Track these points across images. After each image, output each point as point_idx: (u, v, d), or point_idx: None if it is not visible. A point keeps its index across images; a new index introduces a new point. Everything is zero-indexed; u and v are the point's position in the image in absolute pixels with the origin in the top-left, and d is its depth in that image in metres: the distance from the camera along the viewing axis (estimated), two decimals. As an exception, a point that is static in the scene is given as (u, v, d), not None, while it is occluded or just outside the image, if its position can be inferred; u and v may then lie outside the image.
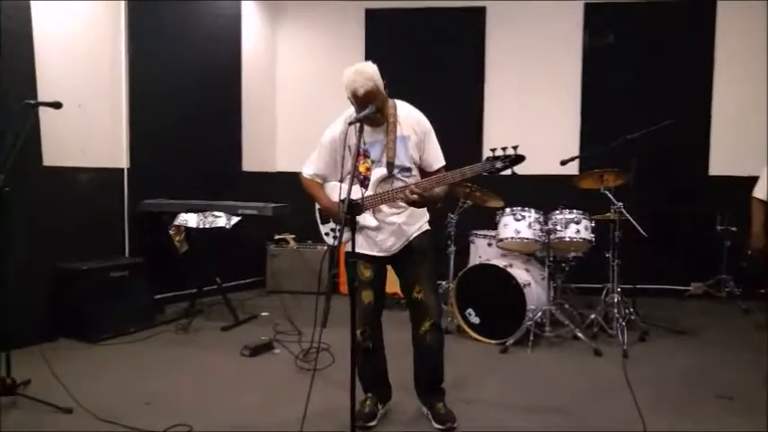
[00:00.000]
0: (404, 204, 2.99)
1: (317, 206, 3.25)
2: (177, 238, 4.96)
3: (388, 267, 3.21)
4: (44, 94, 4.28)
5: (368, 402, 3.18)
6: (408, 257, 3.12)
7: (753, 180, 5.81)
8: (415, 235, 3.11)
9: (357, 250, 3.04)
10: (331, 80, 6.71)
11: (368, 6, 6.58)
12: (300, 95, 6.80)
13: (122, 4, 5.13)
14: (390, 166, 2.97)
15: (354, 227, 2.62)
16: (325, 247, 6.20)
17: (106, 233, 5.09)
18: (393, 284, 3.27)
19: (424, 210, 3.16)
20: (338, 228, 3.09)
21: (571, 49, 6.28)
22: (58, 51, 4.64)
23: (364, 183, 2.90)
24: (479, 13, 6.41)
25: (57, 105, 3.44)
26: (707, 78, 6.05)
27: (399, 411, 3.33)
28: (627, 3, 6.13)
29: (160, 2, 5.42)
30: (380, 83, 2.89)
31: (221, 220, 4.79)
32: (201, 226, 4.81)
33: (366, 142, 2.99)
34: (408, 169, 3.02)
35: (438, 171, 3.04)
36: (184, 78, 5.59)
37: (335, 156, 3.09)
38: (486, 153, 6.33)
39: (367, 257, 3.09)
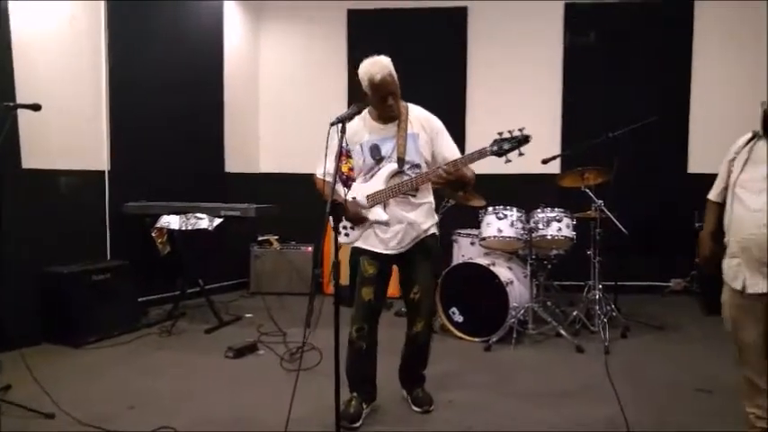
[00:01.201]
0: (416, 201, 3.09)
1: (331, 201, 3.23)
2: (160, 240, 4.94)
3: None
4: (23, 95, 4.23)
5: (353, 402, 3.19)
6: (413, 257, 3.18)
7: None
8: (423, 236, 3.17)
9: (364, 247, 3.10)
10: (314, 80, 6.79)
11: (350, 7, 6.59)
12: (283, 96, 6.79)
13: (102, 4, 5.09)
14: (401, 161, 3.05)
15: (337, 227, 2.63)
16: (310, 248, 6.24)
17: (88, 236, 5.05)
18: (390, 286, 3.31)
19: (433, 212, 3.25)
20: (349, 225, 3.13)
21: (552, 49, 6.34)
22: (37, 53, 4.59)
23: (347, 183, 2.92)
24: (461, 12, 6.45)
25: (36, 108, 3.39)
26: (685, 76, 6.13)
27: (384, 411, 3.35)
28: (606, 3, 6.20)
29: (140, 2, 5.39)
30: (395, 75, 2.99)
31: (204, 222, 4.78)
32: (184, 228, 4.79)
33: (377, 139, 3.09)
34: (417, 165, 3.09)
35: None
36: (166, 79, 5.55)
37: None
38: (470, 150, 6.40)
39: (372, 255, 3.12)
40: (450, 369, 3.99)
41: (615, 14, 6.18)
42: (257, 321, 5.06)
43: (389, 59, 3.02)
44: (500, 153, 2.83)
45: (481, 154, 2.88)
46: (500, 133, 2.85)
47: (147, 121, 5.40)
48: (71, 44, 4.89)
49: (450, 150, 3.15)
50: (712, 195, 2.74)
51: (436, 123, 3.18)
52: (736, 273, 2.50)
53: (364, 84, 3.00)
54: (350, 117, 2.66)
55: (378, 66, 2.97)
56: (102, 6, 5.10)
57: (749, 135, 2.55)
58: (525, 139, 2.83)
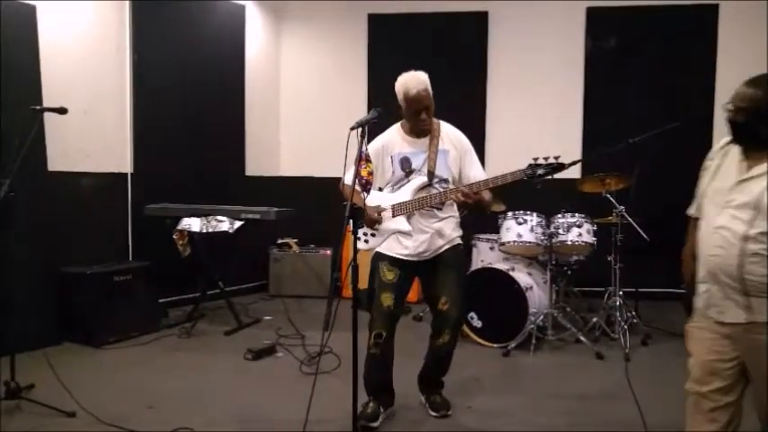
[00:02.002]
0: (441, 215, 3.12)
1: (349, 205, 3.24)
2: (180, 243, 4.98)
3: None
4: (49, 99, 4.31)
5: (371, 404, 3.21)
6: (438, 268, 3.18)
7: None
8: (447, 247, 3.17)
9: (384, 252, 3.11)
10: (334, 84, 6.82)
11: (371, 11, 6.61)
12: (304, 100, 6.83)
13: (127, 5, 5.18)
14: (431, 175, 3.09)
15: (357, 231, 2.65)
16: (329, 251, 6.26)
17: (110, 238, 5.13)
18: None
19: (458, 224, 3.27)
20: (370, 232, 3.14)
21: (573, 53, 6.29)
22: (63, 56, 4.69)
23: (366, 187, 2.93)
24: (482, 17, 6.43)
25: (62, 111, 3.45)
26: (709, 81, 6.04)
27: (401, 415, 3.35)
28: (629, 7, 6.14)
29: (164, 4, 5.47)
30: (431, 91, 3.03)
31: (224, 225, 4.81)
32: (205, 230, 4.83)
33: (408, 152, 3.13)
34: (446, 180, 3.13)
35: None
36: (188, 81, 5.62)
37: (378, 162, 3.15)
38: (490, 156, 6.37)
39: (393, 260, 3.13)
40: (469, 374, 3.97)
41: (637, 19, 6.12)
42: (276, 324, 5.08)
43: (426, 75, 3.05)
44: (533, 177, 2.83)
45: (514, 177, 2.88)
46: (535, 159, 2.86)
47: (169, 124, 5.48)
48: (97, 48, 4.99)
49: (475, 171, 3.18)
50: (692, 209, 2.39)
51: (466, 143, 3.23)
52: (707, 300, 2.16)
53: (399, 97, 3.05)
54: (369, 121, 2.67)
55: (414, 80, 3.01)
56: (126, 8, 5.18)
57: (728, 138, 2.18)
58: (560, 167, 2.84)
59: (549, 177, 2.85)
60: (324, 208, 4.32)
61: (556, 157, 2.82)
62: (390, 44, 6.44)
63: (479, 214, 4.92)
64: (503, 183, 2.90)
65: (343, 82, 6.70)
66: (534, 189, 4.54)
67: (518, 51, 6.40)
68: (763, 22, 5.87)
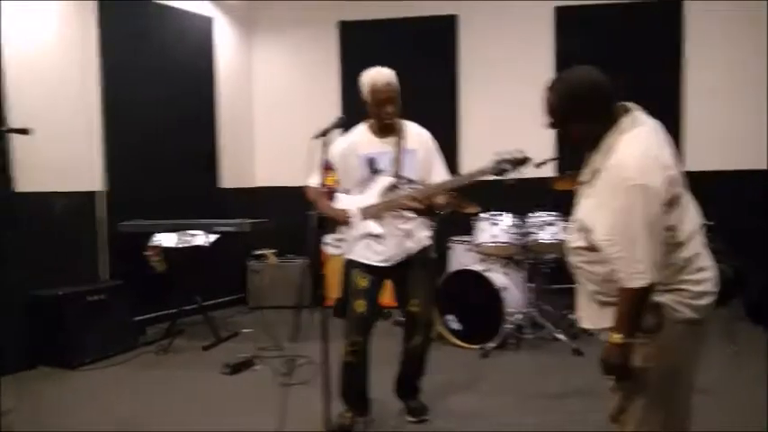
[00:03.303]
0: (410, 215, 3.08)
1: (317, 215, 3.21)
2: (155, 259, 4.92)
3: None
4: (15, 116, 4.25)
5: (347, 415, 3.19)
6: (408, 270, 3.17)
7: (725, 174, 5.90)
8: (417, 249, 3.16)
9: (356, 259, 3.10)
10: (307, 93, 6.79)
11: (341, 18, 6.61)
12: (277, 110, 6.80)
13: (93, 19, 5.12)
14: (397, 175, 3.07)
15: (325, 240, 2.64)
16: (307, 260, 6.22)
17: (83, 257, 5.05)
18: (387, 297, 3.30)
19: (428, 224, 3.26)
20: (340, 237, 3.13)
21: (543, 53, 6.32)
22: (28, 73, 4.61)
23: (330, 195, 2.92)
24: (451, 20, 6.45)
25: (25, 132, 3.37)
26: (677, 77, 6.11)
27: (379, 422, 3.33)
28: (596, 5, 6.19)
29: (132, 20, 5.42)
30: (397, 87, 3.02)
31: (199, 239, 4.77)
32: (179, 245, 4.78)
33: (375, 152, 3.11)
34: (413, 181, 3.10)
35: None
36: (158, 96, 5.57)
37: (344, 163, 3.13)
38: (464, 159, 6.38)
39: (365, 267, 3.11)
40: (447, 377, 3.96)
41: (605, 16, 6.17)
42: (255, 336, 5.04)
43: (393, 72, 3.05)
44: (499, 173, 2.83)
45: (481, 174, 2.87)
46: (499, 153, 2.85)
47: (140, 139, 5.42)
48: (64, 64, 4.92)
49: (439, 172, 3.16)
50: None
51: (432, 143, 3.22)
52: None
53: (365, 90, 3.02)
54: (332, 129, 2.66)
55: (380, 73, 3.02)
56: (93, 22, 5.12)
57: None
58: (525, 161, 2.84)
59: (516, 175, 2.83)
60: (301, 218, 4.31)
61: (520, 151, 2.82)
62: (362, 50, 6.42)
63: (459, 210, 4.95)
64: (470, 180, 2.90)
65: (316, 90, 6.69)
66: (507, 188, 4.55)
67: (488, 52, 6.43)
68: (729, 16, 5.96)
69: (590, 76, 1.96)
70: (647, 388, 1.91)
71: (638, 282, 1.79)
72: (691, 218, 1.92)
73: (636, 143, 1.87)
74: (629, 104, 1.99)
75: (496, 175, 2.85)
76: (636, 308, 1.84)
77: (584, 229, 1.96)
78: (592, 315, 2.00)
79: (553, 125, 2.03)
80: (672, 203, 1.83)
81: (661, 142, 1.91)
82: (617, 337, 1.84)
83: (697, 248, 1.91)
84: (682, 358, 1.93)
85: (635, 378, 1.90)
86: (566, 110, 1.97)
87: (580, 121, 1.96)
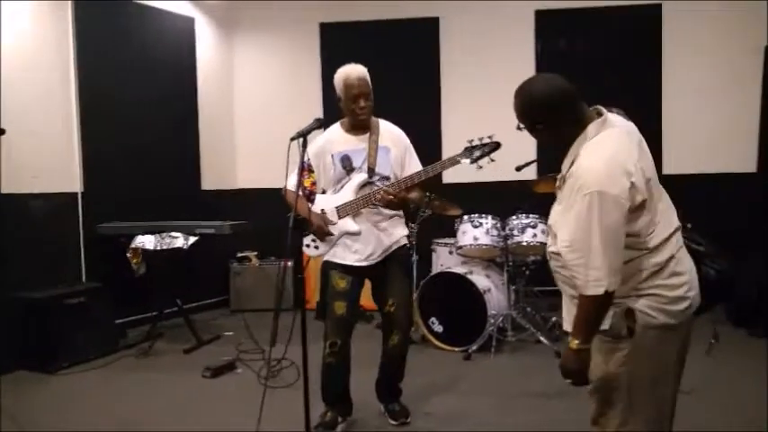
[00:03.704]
0: (387, 212, 3.08)
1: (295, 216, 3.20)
2: (135, 261, 4.88)
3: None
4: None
5: (328, 414, 3.19)
6: (385, 270, 3.17)
7: (706, 177, 5.97)
8: (394, 248, 3.17)
9: (333, 260, 3.09)
10: (289, 95, 6.77)
11: (322, 20, 6.60)
12: (259, 111, 6.77)
13: (69, 18, 5.06)
14: (371, 172, 3.07)
15: (303, 242, 2.63)
16: (284, 262, 6.19)
17: (62, 259, 4.99)
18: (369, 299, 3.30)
19: (403, 222, 3.27)
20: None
21: (524, 56, 6.37)
22: (3, 74, 4.54)
23: (309, 197, 2.91)
24: (433, 22, 6.47)
25: (1, 132, 3.36)
26: (656, 80, 6.18)
27: (361, 425, 3.33)
28: (576, 9, 6.24)
29: (111, 20, 5.37)
30: (369, 82, 3.04)
31: (179, 241, 4.73)
32: (159, 247, 4.74)
33: (349, 149, 3.11)
34: (387, 178, 3.11)
35: None
36: (137, 96, 5.52)
37: (319, 162, 3.13)
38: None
39: (343, 268, 3.11)
40: (430, 380, 3.97)
41: (584, 20, 6.24)
42: (237, 339, 5.00)
43: (365, 68, 3.08)
44: (471, 161, 2.85)
45: (452, 162, 2.91)
46: (470, 141, 2.89)
47: (119, 140, 5.37)
48: (40, 65, 4.86)
49: (413, 170, 3.16)
50: None
51: (405, 140, 3.23)
52: None
53: (339, 86, 3.04)
54: (310, 131, 2.66)
55: (354, 68, 3.05)
56: (69, 22, 5.06)
57: None
58: (496, 146, 2.87)
59: (488, 160, 2.86)
60: (284, 219, 4.30)
61: (490, 136, 2.86)
62: (343, 52, 6.34)
63: (441, 212, 4.96)
64: (441, 169, 2.94)
65: (298, 92, 6.67)
66: (488, 190, 4.60)
67: (470, 55, 6.45)
68: (708, 19, 6.04)
69: (551, 84, 1.98)
70: (625, 392, 1.92)
71: (595, 289, 1.80)
72: (665, 222, 1.93)
73: (599, 150, 1.88)
74: (602, 108, 2.01)
75: (469, 161, 2.87)
76: (593, 314, 1.85)
77: (554, 235, 1.98)
78: (571, 318, 2.01)
79: (523, 129, 2.07)
80: (638, 209, 1.84)
81: (629, 147, 1.91)
82: (574, 343, 1.87)
83: (671, 253, 1.91)
84: (658, 363, 1.92)
85: (611, 383, 1.93)
86: (529, 116, 2.00)
87: (545, 128, 1.98)
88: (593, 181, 1.80)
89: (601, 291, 1.79)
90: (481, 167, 2.95)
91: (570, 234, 1.86)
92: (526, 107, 2.00)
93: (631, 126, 2.02)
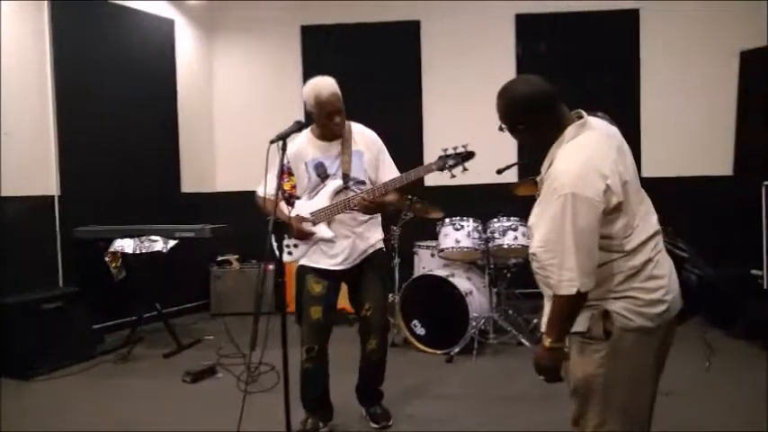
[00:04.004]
0: (362, 218, 3.08)
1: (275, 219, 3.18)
2: (114, 265, 4.81)
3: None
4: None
5: (309, 421, 3.17)
6: (361, 274, 3.16)
7: (682, 180, 6.05)
8: (370, 251, 3.16)
9: (309, 264, 3.07)
10: (270, 98, 6.74)
11: (303, 23, 6.58)
12: (239, 114, 6.73)
13: (45, 19, 4.99)
14: (346, 177, 3.05)
15: (281, 245, 2.61)
16: (264, 265, 6.14)
17: (39, 264, 4.91)
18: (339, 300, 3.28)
19: (380, 227, 3.26)
20: (293, 243, 3.09)
21: (505, 60, 6.41)
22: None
23: (290, 201, 2.90)
24: (414, 26, 6.49)
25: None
26: (634, 83, 6.25)
27: (343, 429, 3.31)
28: (556, 13, 6.30)
29: (88, 20, 5.29)
30: (340, 94, 3.00)
31: (158, 245, 4.68)
32: (138, 251, 4.68)
33: (322, 157, 3.08)
34: (362, 182, 3.10)
35: None
36: (116, 98, 5.46)
37: (293, 172, 3.11)
38: (427, 161, 6.39)
39: (319, 272, 3.09)
40: (412, 383, 3.96)
41: (564, 23, 6.29)
42: (217, 343, 4.96)
43: (334, 80, 3.02)
44: (443, 169, 2.86)
45: (426, 170, 2.91)
46: (444, 149, 2.91)
47: (97, 143, 5.30)
48: (14, 63, 4.76)
49: (388, 170, 3.17)
50: None
51: (379, 142, 3.21)
52: None
53: (310, 103, 2.99)
54: (290, 134, 2.64)
55: (324, 84, 2.98)
56: (45, 22, 4.99)
57: None
58: (469, 156, 2.89)
59: (463, 169, 2.88)
60: (264, 223, 4.27)
61: (464, 146, 2.88)
62: (324, 55, 6.42)
63: (422, 215, 4.96)
64: (416, 177, 2.94)
65: (279, 95, 6.63)
66: (470, 194, 4.61)
67: (451, 59, 6.48)
68: (683, 23, 6.12)
69: (533, 85, 2.00)
70: (602, 393, 1.94)
71: (567, 289, 1.82)
72: (644, 226, 1.94)
73: (575, 152, 1.90)
74: (582, 112, 2.02)
75: (442, 170, 2.89)
76: (566, 314, 1.88)
77: (533, 236, 1.99)
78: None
79: (504, 129, 2.08)
80: (613, 212, 1.86)
81: (606, 150, 1.92)
82: (547, 341, 1.90)
83: (648, 256, 1.92)
84: (635, 365, 1.93)
85: (589, 383, 1.94)
86: (511, 117, 2.02)
87: (525, 128, 2.00)
88: (568, 183, 1.82)
89: (573, 291, 1.82)
90: (455, 176, 2.98)
91: (545, 235, 1.89)
92: (508, 108, 2.01)
93: (613, 130, 2.04)
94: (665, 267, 1.96)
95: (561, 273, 1.83)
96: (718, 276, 2.07)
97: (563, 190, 1.82)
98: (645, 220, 1.95)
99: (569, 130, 1.95)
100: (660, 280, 1.92)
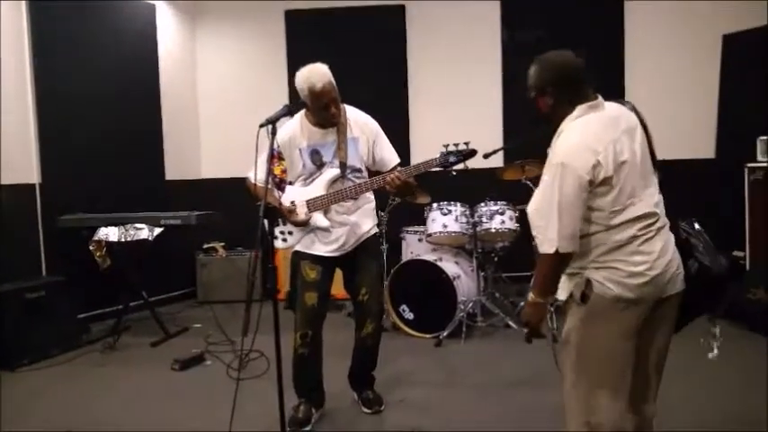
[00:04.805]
0: (357, 204, 3.08)
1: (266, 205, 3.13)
2: (98, 254, 4.75)
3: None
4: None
5: (301, 407, 3.16)
6: (357, 260, 3.16)
7: (665, 164, 6.10)
8: (365, 237, 3.15)
9: (304, 251, 3.06)
10: (254, 83, 6.68)
11: (287, 7, 6.51)
12: (223, 100, 6.65)
13: (23, 6, 4.89)
14: (343, 166, 3.02)
15: (273, 231, 2.59)
16: (255, 252, 6.11)
17: (21, 253, 4.83)
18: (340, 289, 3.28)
19: (374, 214, 3.25)
20: (287, 230, 3.07)
21: (490, 45, 6.39)
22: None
23: (280, 185, 2.87)
24: (399, 11, 6.44)
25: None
26: (618, 70, 6.27)
27: (335, 414, 3.32)
28: (540, -1, 6.29)
29: (65, 5, 5.16)
30: (334, 82, 2.94)
31: (144, 232, 4.62)
32: (123, 239, 4.63)
33: (318, 144, 3.04)
34: (359, 170, 3.08)
35: (394, 168, 3.08)
36: (98, 85, 5.36)
37: (285, 156, 3.07)
38: (414, 149, 6.39)
39: (314, 258, 3.08)
40: (402, 367, 3.98)
41: (549, 10, 6.27)
42: (205, 331, 4.94)
43: (327, 67, 2.96)
44: (445, 166, 2.85)
45: (427, 165, 2.88)
46: (446, 145, 2.88)
47: (79, 130, 5.21)
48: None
49: (389, 153, 3.17)
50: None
51: (374, 126, 3.18)
52: None
53: (303, 93, 2.94)
54: (279, 118, 2.61)
55: (317, 74, 2.91)
56: (23, 8, 4.88)
57: None
58: (471, 153, 2.88)
59: (463, 166, 2.88)
60: (250, 209, 4.23)
61: (466, 143, 2.86)
62: (309, 40, 6.36)
63: (410, 198, 4.97)
64: (416, 172, 2.91)
65: (263, 80, 6.57)
66: (457, 179, 4.61)
67: (436, 44, 6.45)
68: (667, 7, 6.14)
69: (566, 58, 2.20)
70: (575, 350, 2.11)
71: (548, 248, 2.01)
72: (639, 205, 2.04)
73: (576, 128, 2.08)
74: (598, 96, 2.17)
75: (443, 167, 2.87)
76: (547, 272, 2.08)
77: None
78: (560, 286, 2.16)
79: (531, 97, 2.24)
80: (602, 185, 2.01)
81: (605, 129, 2.06)
82: (531, 296, 2.13)
83: (634, 233, 2.03)
84: (609, 332, 2.06)
85: (567, 339, 2.14)
86: (542, 80, 2.18)
87: (550, 95, 2.16)
88: (561, 154, 2.03)
89: (551, 250, 2.01)
90: (455, 174, 2.97)
91: (538, 199, 2.08)
92: (543, 71, 2.19)
93: (625, 114, 2.17)
94: (655, 246, 2.04)
95: (546, 233, 2.02)
96: (726, 270, 2.14)
97: (556, 159, 2.03)
98: (643, 200, 2.05)
99: (579, 109, 2.11)
100: (646, 256, 2.03)
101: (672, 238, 2.14)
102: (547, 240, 2.01)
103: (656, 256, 2.03)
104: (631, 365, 2.11)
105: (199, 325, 5.25)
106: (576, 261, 2.08)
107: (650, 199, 2.09)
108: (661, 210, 2.12)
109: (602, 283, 2.04)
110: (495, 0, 6.35)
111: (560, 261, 2.03)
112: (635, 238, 2.03)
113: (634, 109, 2.22)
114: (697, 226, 2.22)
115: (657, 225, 2.07)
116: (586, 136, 2.04)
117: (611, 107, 2.16)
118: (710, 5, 6.00)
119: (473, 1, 6.36)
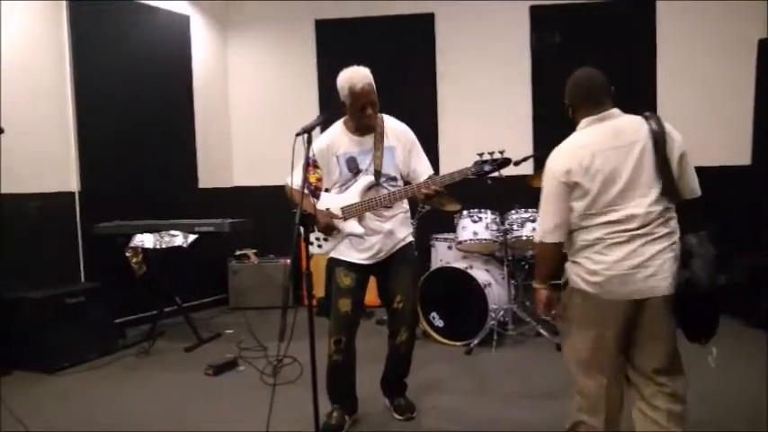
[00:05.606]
0: (391, 213, 3.10)
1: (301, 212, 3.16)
2: (134, 260, 4.85)
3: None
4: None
5: (334, 414, 3.18)
6: (392, 267, 3.17)
7: (700, 170, 6.01)
8: (400, 245, 3.16)
9: (339, 257, 3.08)
10: (285, 92, 6.77)
11: (317, 17, 6.59)
12: (255, 109, 6.76)
13: (64, 17, 5.04)
14: (378, 174, 3.04)
15: (308, 238, 2.63)
16: (290, 259, 6.18)
17: (61, 260, 4.98)
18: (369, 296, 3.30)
19: (408, 222, 3.28)
20: (323, 236, 3.11)
21: (519, 51, 6.37)
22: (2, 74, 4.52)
23: (315, 193, 2.91)
24: (428, 19, 6.47)
25: (-1, 131, 3.33)
26: (651, 74, 6.20)
27: (367, 421, 3.33)
28: (570, 4, 6.26)
29: (105, 17, 5.33)
30: (374, 86, 2.99)
31: (178, 239, 4.71)
32: (158, 246, 4.72)
33: (354, 151, 3.08)
34: (394, 178, 3.10)
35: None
36: (133, 94, 5.50)
37: (323, 163, 3.09)
38: (443, 155, 6.38)
39: (348, 265, 3.10)
40: (433, 375, 3.98)
41: (579, 15, 6.24)
42: (237, 337, 5.00)
43: (368, 70, 3.02)
44: (480, 175, 2.84)
45: (462, 174, 2.87)
46: (480, 154, 2.87)
47: (116, 139, 5.36)
48: (34, 61, 4.83)
49: (423, 164, 3.18)
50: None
51: (411, 136, 3.20)
52: None
53: (344, 93, 2.98)
54: (314, 126, 2.65)
55: (358, 74, 2.96)
56: (64, 20, 5.04)
57: None
58: (505, 162, 2.87)
59: (498, 175, 2.87)
60: (281, 217, 4.29)
61: (501, 152, 2.85)
62: (339, 49, 6.42)
63: (440, 206, 4.98)
64: (450, 180, 2.89)
65: (294, 89, 6.66)
66: (487, 186, 4.60)
67: (465, 51, 6.45)
68: (701, 12, 6.06)
69: (582, 75, 2.45)
70: (563, 323, 2.55)
71: (536, 238, 2.43)
72: (614, 215, 2.24)
73: (572, 138, 2.39)
74: (616, 110, 2.40)
75: (477, 175, 2.85)
76: (538, 259, 2.50)
77: None
78: None
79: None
80: (574, 190, 2.28)
81: (597, 143, 2.28)
82: (534, 283, 2.55)
83: (601, 236, 2.27)
84: (578, 319, 2.41)
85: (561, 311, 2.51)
86: (566, 95, 2.48)
87: (569, 107, 2.46)
88: (550, 159, 2.37)
89: (538, 240, 2.42)
90: (490, 182, 2.98)
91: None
92: (566, 87, 2.48)
93: (633, 128, 2.33)
94: (621, 250, 2.23)
95: (538, 225, 2.44)
96: (718, 288, 2.16)
97: (546, 165, 2.37)
98: (627, 209, 2.23)
99: (584, 121, 2.39)
100: (607, 257, 2.26)
101: (659, 246, 2.24)
102: (537, 232, 2.43)
103: (616, 258, 2.24)
104: (605, 352, 2.35)
105: (231, 331, 5.32)
106: (568, 252, 2.41)
107: (637, 209, 2.24)
108: (654, 219, 2.23)
109: (571, 276, 2.38)
110: (524, 5, 6.34)
111: (546, 250, 2.40)
112: (600, 240, 2.27)
113: (659, 122, 2.35)
114: (705, 240, 2.27)
115: (634, 232, 2.23)
116: (572, 145, 2.35)
117: (623, 121, 2.36)
118: (746, 9, 5.91)
119: (502, 7, 6.36)
